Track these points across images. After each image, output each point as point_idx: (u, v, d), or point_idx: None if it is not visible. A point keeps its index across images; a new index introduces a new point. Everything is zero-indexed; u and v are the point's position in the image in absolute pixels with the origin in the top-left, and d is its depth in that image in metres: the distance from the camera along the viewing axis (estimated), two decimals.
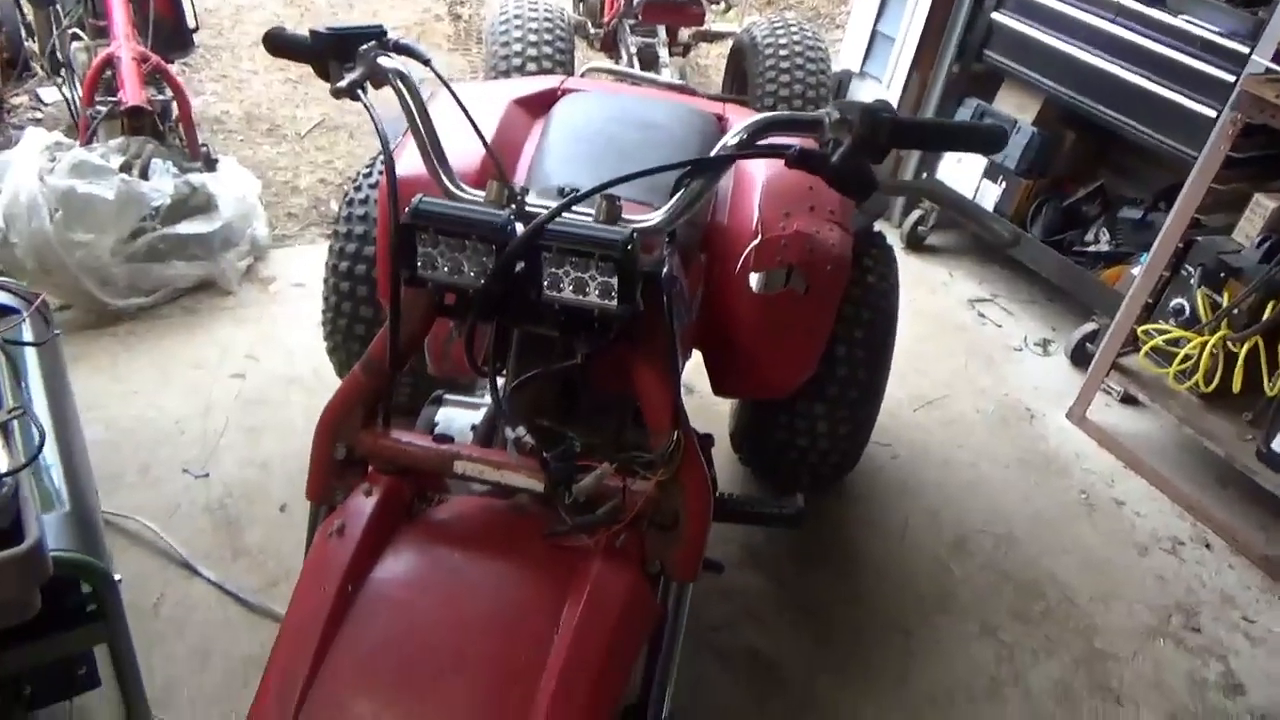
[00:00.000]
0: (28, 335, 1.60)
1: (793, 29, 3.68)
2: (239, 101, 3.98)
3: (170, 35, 3.09)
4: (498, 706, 0.94)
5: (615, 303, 0.99)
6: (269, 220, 3.04)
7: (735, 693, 1.94)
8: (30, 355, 1.60)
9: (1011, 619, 2.21)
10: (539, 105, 2.11)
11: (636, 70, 2.50)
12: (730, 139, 1.10)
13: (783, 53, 3.62)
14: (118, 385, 2.42)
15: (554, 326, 1.04)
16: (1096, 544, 2.47)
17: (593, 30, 4.10)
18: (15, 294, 1.69)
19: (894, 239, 3.71)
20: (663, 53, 3.88)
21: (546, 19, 3.44)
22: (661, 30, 3.98)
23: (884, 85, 3.61)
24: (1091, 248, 3.13)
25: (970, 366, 3.08)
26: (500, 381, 1.12)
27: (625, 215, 1.08)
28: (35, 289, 2.56)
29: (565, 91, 2.16)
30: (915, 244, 3.67)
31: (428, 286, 1.02)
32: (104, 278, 2.53)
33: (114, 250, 2.51)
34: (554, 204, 1.06)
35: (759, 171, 2.00)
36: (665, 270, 1.04)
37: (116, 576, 1.37)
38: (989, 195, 3.30)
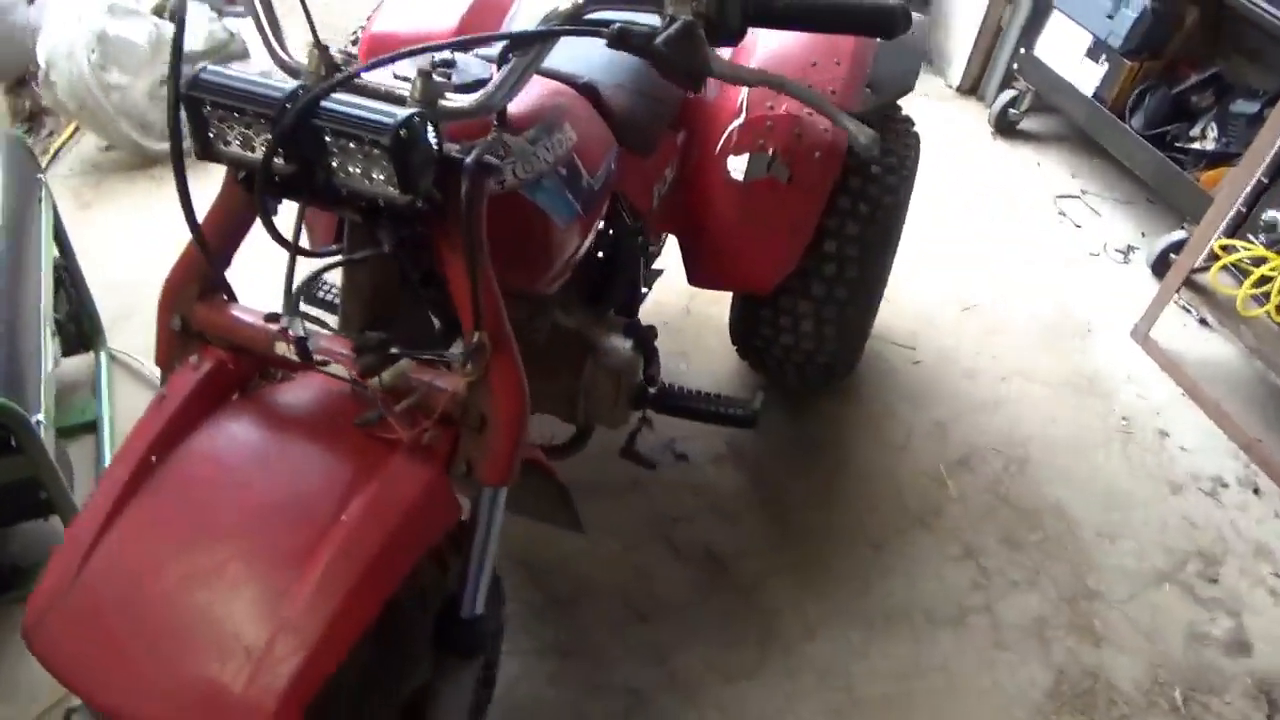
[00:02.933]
0: None
1: None
2: None
3: None
4: (265, 581, 0.95)
5: (397, 191, 0.92)
6: None
7: (679, 585, 1.92)
8: None
9: (1000, 545, 2.08)
10: None
11: None
12: (560, 8, 0.98)
13: None
14: (147, 226, 2.52)
15: (355, 211, 0.98)
16: (1122, 476, 2.27)
17: None
18: None
19: (981, 120, 3.40)
20: None
21: None
22: None
23: None
24: (1196, 144, 2.76)
25: (1035, 269, 2.82)
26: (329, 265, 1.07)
27: (448, 98, 0.99)
28: (81, 128, 2.67)
29: None
30: (1006, 128, 3.34)
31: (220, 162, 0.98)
32: (141, 121, 2.59)
33: (150, 94, 2.56)
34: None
35: (758, 43, 1.83)
36: (472, 157, 0.95)
37: (37, 418, 1.45)
38: (1088, 77, 2.93)
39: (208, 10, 2.62)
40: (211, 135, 0.96)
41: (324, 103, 0.91)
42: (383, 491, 1.00)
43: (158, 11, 2.53)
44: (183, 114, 0.93)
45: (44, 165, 2.65)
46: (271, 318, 1.10)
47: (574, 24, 0.97)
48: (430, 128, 0.93)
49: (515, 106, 1.20)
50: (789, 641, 1.86)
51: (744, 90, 1.78)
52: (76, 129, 2.76)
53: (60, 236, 1.94)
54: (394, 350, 1.02)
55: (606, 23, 0.94)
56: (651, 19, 0.96)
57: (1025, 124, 3.34)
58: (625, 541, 1.98)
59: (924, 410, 2.35)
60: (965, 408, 2.37)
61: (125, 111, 2.54)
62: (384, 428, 1.05)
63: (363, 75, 1.05)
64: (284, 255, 1.02)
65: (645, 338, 1.66)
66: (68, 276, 1.97)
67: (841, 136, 1.77)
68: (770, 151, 1.75)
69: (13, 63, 2.69)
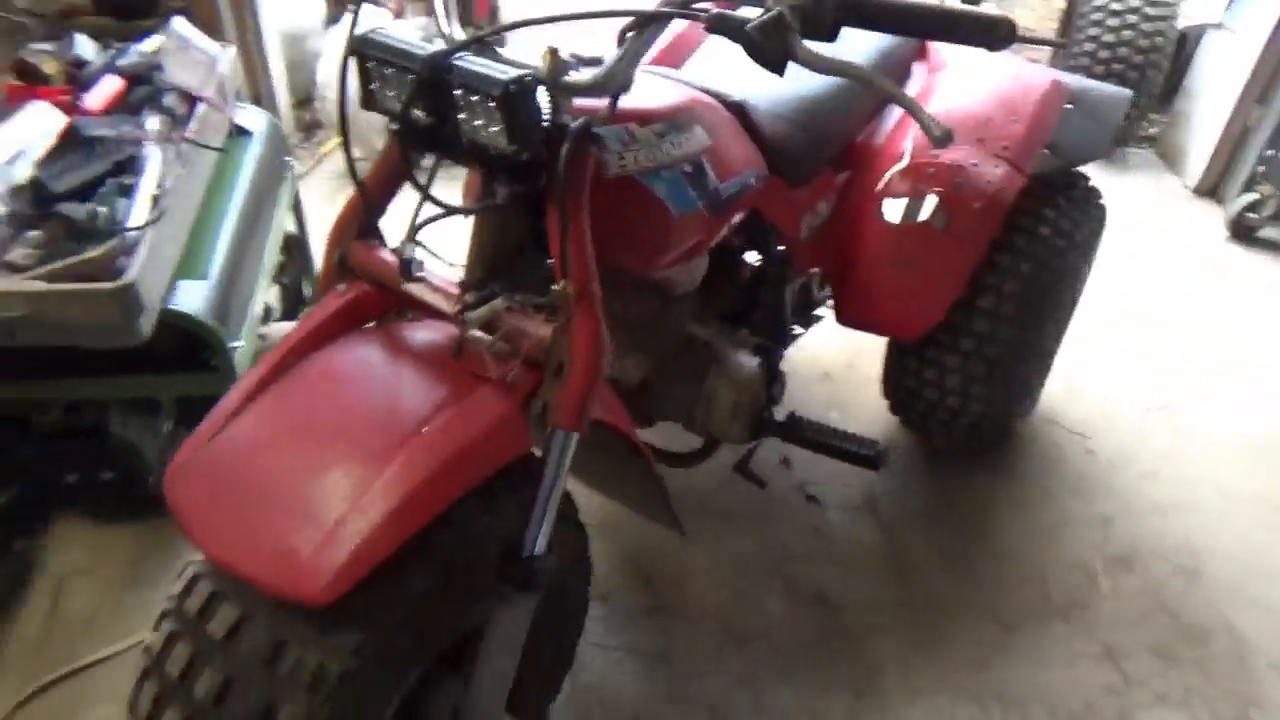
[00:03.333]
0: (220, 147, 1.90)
1: None
2: None
3: None
4: (350, 471, 1.07)
5: (506, 144, 1.04)
6: None
7: (785, 620, 1.90)
8: (248, 169, 1.96)
9: (1150, 654, 1.90)
10: None
11: None
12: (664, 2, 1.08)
13: None
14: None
15: (477, 163, 1.12)
16: None
17: None
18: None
19: (1217, 223, 3.17)
20: None
21: None
22: None
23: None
24: None
25: (1253, 383, 2.58)
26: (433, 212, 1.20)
27: (573, 75, 1.11)
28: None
29: None
30: (1242, 233, 3.09)
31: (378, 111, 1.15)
32: None
33: None
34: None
35: (934, 88, 1.86)
36: (578, 124, 1.06)
37: (235, 344, 1.70)
38: None
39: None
40: (373, 89, 1.13)
41: (456, 61, 1.05)
42: (460, 414, 1.11)
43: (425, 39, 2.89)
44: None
45: (310, 168, 3.08)
46: (398, 252, 1.26)
47: (683, 9, 1.07)
48: (542, 91, 1.05)
49: (651, 102, 1.31)
50: (888, 700, 1.78)
51: (910, 135, 1.81)
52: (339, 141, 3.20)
53: (299, 214, 2.26)
54: (491, 292, 1.13)
55: (706, 11, 1.03)
56: (757, 12, 1.04)
57: (1265, 231, 3.08)
58: (740, 567, 1.99)
59: (1087, 501, 2.20)
60: (1136, 507, 2.19)
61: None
62: (480, 364, 1.17)
63: (504, 49, 1.21)
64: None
65: (772, 360, 1.70)
66: (298, 249, 2.29)
67: (1005, 191, 1.76)
68: (928, 197, 1.76)
69: (302, 82, 3.17)
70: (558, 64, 1.11)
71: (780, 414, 1.82)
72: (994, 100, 1.85)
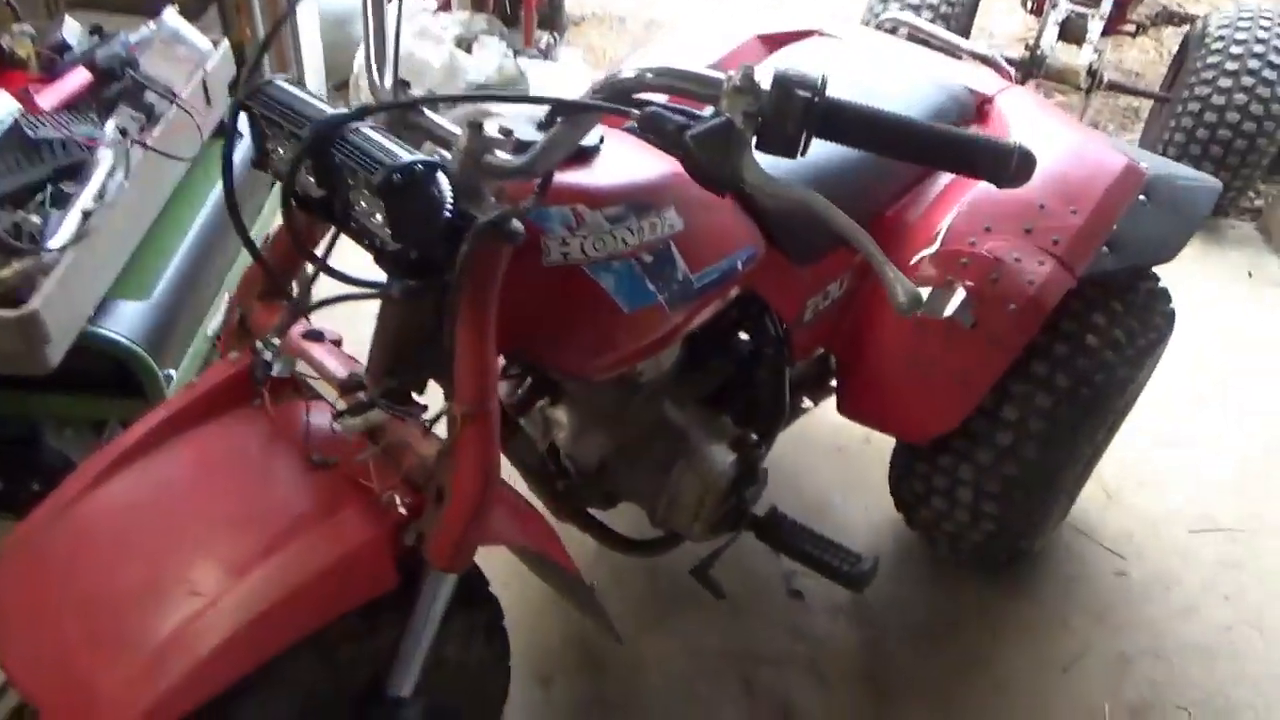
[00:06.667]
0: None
1: (1267, 22, 2.89)
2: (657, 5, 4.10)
3: None
4: (185, 587, 0.93)
5: (389, 236, 0.88)
6: None
7: None
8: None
9: None
10: (781, 45, 1.90)
11: (937, 29, 2.10)
12: (617, 78, 0.89)
13: (1236, 49, 2.87)
14: None
15: (367, 248, 0.95)
16: None
17: None
18: None
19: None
20: (1094, 27, 3.25)
21: None
22: (1110, 1, 3.33)
23: None
24: None
25: None
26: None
27: (495, 155, 0.94)
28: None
29: (814, 35, 1.91)
30: None
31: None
32: None
33: None
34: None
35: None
36: (487, 218, 0.88)
37: (168, 373, 1.58)
38: None
39: (504, 47, 2.81)
40: (268, 146, 0.98)
41: (350, 133, 0.89)
42: (321, 536, 0.96)
43: (458, 42, 2.75)
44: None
45: None
46: (313, 335, 1.11)
47: (618, 100, 0.88)
48: (443, 179, 0.88)
49: (612, 179, 1.13)
50: None
51: (948, 218, 1.59)
52: None
53: None
54: (369, 398, 0.97)
55: (645, 104, 0.84)
56: (706, 111, 0.85)
57: None
58: (701, 664, 1.81)
59: (1109, 633, 1.95)
60: (1166, 647, 1.94)
61: None
62: (364, 471, 1.02)
63: (432, 116, 1.04)
64: None
65: (751, 456, 1.51)
66: None
67: (1048, 292, 1.53)
68: (957, 290, 1.53)
69: (344, 66, 3.05)
70: (479, 141, 0.93)
71: (764, 505, 1.63)
72: (1051, 183, 1.61)
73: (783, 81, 0.80)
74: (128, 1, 2.16)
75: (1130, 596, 2.03)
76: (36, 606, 0.95)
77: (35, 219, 1.41)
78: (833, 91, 0.82)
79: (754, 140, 0.82)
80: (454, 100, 0.92)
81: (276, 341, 0.97)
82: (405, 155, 0.86)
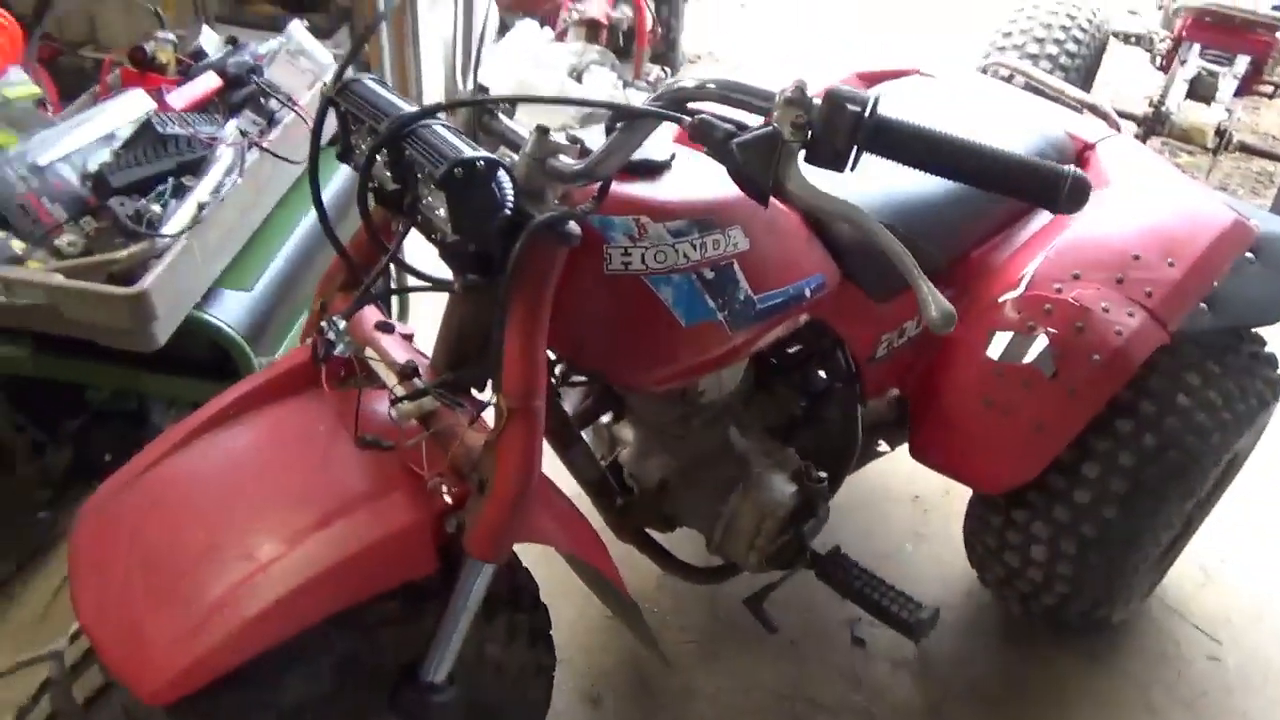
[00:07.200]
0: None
1: None
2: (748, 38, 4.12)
3: None
4: (236, 555, 0.98)
5: (450, 229, 0.91)
6: None
7: None
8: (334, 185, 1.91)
9: None
10: (878, 81, 1.90)
11: (1046, 75, 2.05)
12: (674, 86, 0.91)
13: None
14: None
15: (435, 242, 0.99)
16: None
17: (1158, 43, 3.43)
18: None
19: None
20: (1227, 85, 3.12)
21: (1069, 15, 3.00)
22: (1245, 60, 3.20)
23: None
24: None
25: None
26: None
27: (561, 159, 0.97)
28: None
29: (913, 74, 1.90)
30: None
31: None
32: None
33: None
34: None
35: (1070, 220, 1.58)
36: (539, 220, 0.91)
37: (265, 360, 1.66)
38: None
39: (615, 78, 2.88)
40: (352, 141, 1.04)
41: (423, 129, 0.93)
42: (369, 515, 1.00)
43: (570, 72, 2.84)
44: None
45: None
46: (384, 326, 1.16)
47: (673, 107, 0.90)
48: (505, 178, 0.91)
49: (680, 194, 1.15)
50: None
51: (1035, 261, 1.55)
52: None
53: None
54: (424, 385, 1.01)
55: (692, 113, 0.86)
56: (756, 121, 0.86)
57: None
58: (753, 701, 1.77)
59: (1189, 718, 1.82)
60: None
61: None
62: (416, 456, 1.05)
63: (507, 121, 1.08)
64: None
65: (812, 491, 1.49)
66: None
67: (1137, 346, 1.46)
68: (1039, 336, 1.49)
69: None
70: (544, 145, 0.97)
71: (830, 546, 1.61)
72: (1150, 234, 1.55)
73: (834, 96, 0.81)
74: (269, 20, 2.34)
75: (1224, 684, 1.90)
76: (107, 561, 1.02)
77: (156, 207, 1.52)
78: (921, 122, 0.82)
79: (803, 153, 0.83)
80: (518, 101, 0.95)
81: (341, 323, 1.02)
82: (469, 151, 0.90)
